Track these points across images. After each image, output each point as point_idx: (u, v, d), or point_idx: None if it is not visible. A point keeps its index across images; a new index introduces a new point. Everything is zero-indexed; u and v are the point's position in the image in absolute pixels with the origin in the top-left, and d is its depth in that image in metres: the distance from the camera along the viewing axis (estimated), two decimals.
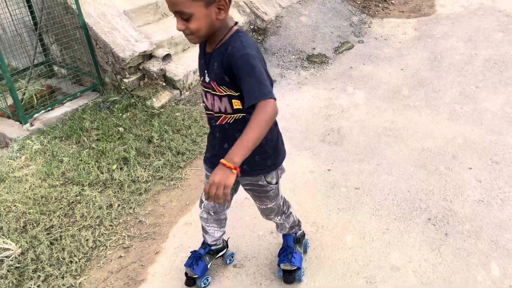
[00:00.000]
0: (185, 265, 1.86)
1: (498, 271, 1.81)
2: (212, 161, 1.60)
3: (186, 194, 2.42)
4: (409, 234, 2.03)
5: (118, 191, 2.41)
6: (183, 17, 1.26)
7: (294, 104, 3.19)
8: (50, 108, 3.18)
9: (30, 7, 3.41)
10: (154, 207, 2.34)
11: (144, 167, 2.59)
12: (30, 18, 3.46)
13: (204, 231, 1.85)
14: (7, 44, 3.52)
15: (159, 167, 2.58)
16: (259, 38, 3.92)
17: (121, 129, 2.93)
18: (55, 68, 3.75)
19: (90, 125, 3.00)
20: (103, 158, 2.66)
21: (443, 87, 3.27)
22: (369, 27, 4.45)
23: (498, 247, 1.92)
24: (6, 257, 2.03)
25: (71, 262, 2.00)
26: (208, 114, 1.53)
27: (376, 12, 4.85)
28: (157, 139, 2.81)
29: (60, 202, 2.34)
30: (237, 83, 1.33)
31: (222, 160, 1.22)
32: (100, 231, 2.16)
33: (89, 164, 2.62)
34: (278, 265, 1.90)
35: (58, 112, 3.18)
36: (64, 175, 2.55)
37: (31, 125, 3.05)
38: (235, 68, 1.30)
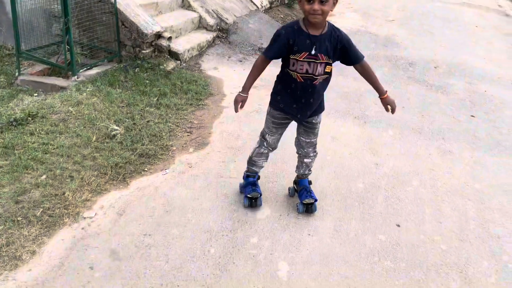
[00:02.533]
0: (245, 193, 2.58)
1: None
2: (299, 114, 2.33)
3: (211, 111, 3.89)
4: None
5: (167, 110, 3.77)
6: (322, 0, 2.00)
7: None
8: (89, 67, 4.34)
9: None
10: (195, 116, 3.77)
11: (178, 98, 3.98)
12: (61, 7, 4.55)
13: (255, 165, 2.60)
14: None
15: (188, 98, 4.01)
16: (224, 35, 5.57)
17: (147, 81, 4.27)
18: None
19: (124, 79, 4.26)
20: (145, 95, 3.97)
21: (345, 69, 5.28)
22: None
23: None
24: (115, 133, 3.26)
25: (161, 137, 3.33)
26: (304, 78, 2.20)
27: None
28: (178, 85, 4.22)
29: (132, 113, 3.61)
30: (340, 55, 2.22)
31: (383, 96, 2.30)
32: (168, 124, 3.52)
33: (137, 98, 3.91)
34: (301, 202, 2.56)
35: (93, 71, 4.35)
36: (124, 102, 3.81)
37: (78, 77, 4.18)
38: (346, 45, 2.21)
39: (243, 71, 4.87)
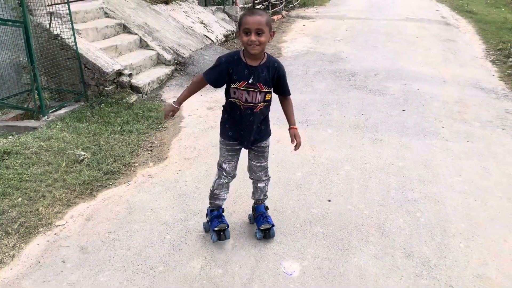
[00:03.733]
0: (212, 228, 2.58)
1: None
2: (245, 140, 2.43)
3: (171, 131, 4.35)
4: None
5: (130, 135, 4.22)
6: (259, 32, 2.13)
7: (214, 96, 5.39)
8: (58, 107, 4.79)
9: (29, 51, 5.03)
10: (155, 137, 4.21)
11: (140, 125, 4.43)
12: (27, 56, 5.04)
13: (218, 198, 2.61)
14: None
15: (149, 123, 4.47)
16: (182, 67, 6.12)
17: (112, 113, 4.72)
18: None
19: (90, 114, 4.70)
20: (110, 125, 4.42)
21: (293, 86, 5.85)
22: None
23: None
24: (83, 158, 3.67)
25: (124, 156, 3.75)
26: (245, 106, 2.30)
27: None
28: (140, 114, 4.69)
29: (97, 141, 4.04)
30: (274, 84, 2.33)
31: (293, 126, 2.45)
32: (131, 146, 3.95)
33: (103, 128, 4.35)
34: (258, 228, 2.61)
35: (62, 111, 4.79)
36: (90, 133, 4.24)
37: (48, 117, 4.61)
38: (282, 76, 2.34)
39: (200, 97, 5.39)
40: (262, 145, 2.53)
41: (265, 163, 2.61)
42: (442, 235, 2.71)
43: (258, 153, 2.55)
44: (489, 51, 7.92)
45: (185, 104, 5.09)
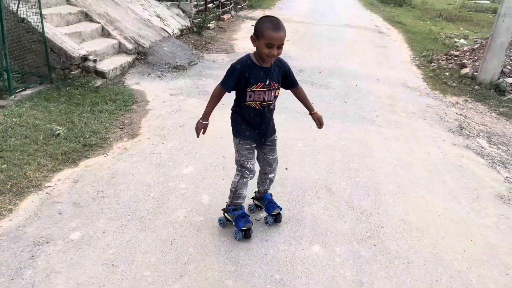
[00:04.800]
0: (238, 227, 2.64)
1: None
2: (259, 135, 2.57)
3: (139, 113, 4.70)
4: None
5: (100, 114, 4.52)
6: (279, 46, 2.29)
7: (175, 84, 5.79)
8: (23, 87, 4.93)
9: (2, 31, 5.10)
10: (125, 117, 4.55)
11: (109, 106, 4.74)
12: None
13: (240, 197, 2.68)
14: None
15: (117, 105, 4.78)
16: (143, 57, 6.44)
17: (79, 96, 4.96)
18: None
19: (57, 95, 4.91)
20: (79, 105, 4.68)
21: None
22: (202, 56, 7.48)
23: None
24: (59, 132, 3.94)
25: (98, 132, 4.07)
26: (262, 105, 2.47)
27: (203, 50, 7.97)
28: (107, 96, 4.98)
29: (70, 119, 4.30)
30: (282, 80, 2.53)
31: (314, 111, 2.69)
32: (104, 124, 4.26)
33: (73, 108, 4.60)
34: (270, 214, 2.80)
35: (28, 92, 4.94)
36: (61, 111, 4.47)
37: (15, 97, 4.75)
38: (288, 71, 2.55)
39: (162, 84, 5.78)
40: (275, 138, 2.74)
41: (277, 154, 2.80)
42: (376, 193, 3.40)
43: (272, 146, 2.72)
44: (415, 57, 9.04)
45: (148, 90, 5.54)
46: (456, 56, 8.31)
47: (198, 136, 2.59)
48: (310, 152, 4.04)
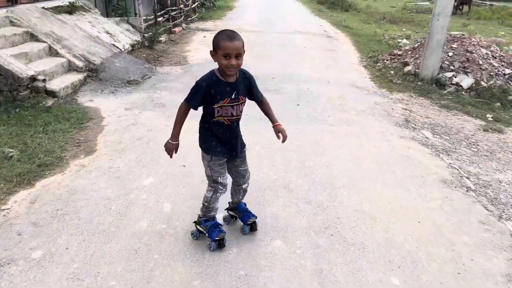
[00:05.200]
0: (212, 238, 2.66)
1: None
2: (230, 150, 2.58)
3: (94, 130, 4.67)
4: None
5: (54, 133, 4.45)
6: (238, 56, 2.30)
7: (130, 99, 5.79)
8: None
9: None
10: (80, 135, 4.51)
11: (62, 125, 4.67)
12: None
13: (212, 210, 2.71)
14: None
15: (71, 124, 4.73)
16: (94, 74, 6.39)
17: (30, 117, 4.86)
18: None
19: (7, 118, 4.78)
20: (31, 126, 4.58)
21: None
22: (155, 69, 7.50)
23: None
24: (12, 155, 3.85)
25: (53, 151, 4.02)
26: (231, 120, 2.48)
27: (156, 64, 7.99)
28: (60, 115, 4.91)
29: (22, 140, 4.21)
30: (248, 93, 2.53)
31: (277, 123, 2.59)
32: (58, 143, 4.21)
33: (24, 129, 4.50)
34: (246, 224, 2.82)
35: None
36: (12, 134, 4.37)
37: None
38: (253, 84, 2.56)
39: (116, 99, 5.76)
40: (244, 149, 2.77)
41: (248, 165, 2.82)
42: (331, 188, 3.59)
43: (243, 158, 2.74)
44: (362, 58, 9.48)
45: (102, 106, 5.50)
46: (399, 55, 8.79)
47: (171, 156, 2.58)
48: (267, 154, 4.19)
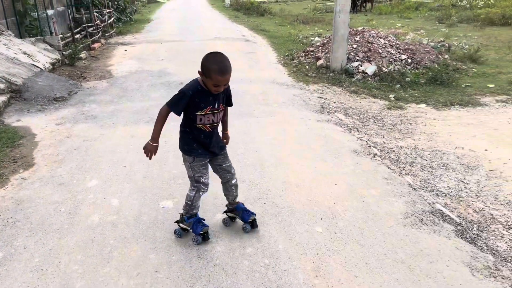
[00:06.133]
0: (197, 232, 2.82)
1: None
2: (211, 152, 2.75)
3: (28, 146, 4.74)
4: None
5: None
6: (225, 84, 2.51)
7: (59, 115, 5.87)
8: None
9: None
10: (15, 152, 4.58)
11: None
12: None
13: (195, 208, 2.86)
14: None
15: (2, 144, 4.76)
16: (18, 94, 6.34)
17: None
18: None
19: None
20: None
21: (132, 97, 6.72)
22: (81, 85, 7.56)
23: None
24: None
25: None
26: (211, 127, 2.65)
27: (81, 80, 8.03)
28: None
29: None
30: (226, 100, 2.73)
31: (226, 132, 2.93)
32: None
33: None
34: (247, 222, 2.95)
35: None
36: None
37: None
38: (229, 93, 2.74)
39: (45, 116, 5.82)
40: (225, 147, 2.93)
41: (230, 161, 2.98)
42: (261, 167, 4.08)
43: (224, 155, 2.90)
44: (280, 58, 10.21)
45: (32, 124, 5.56)
46: (312, 51, 9.63)
47: (150, 158, 2.71)
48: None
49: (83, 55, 9.96)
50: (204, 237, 2.87)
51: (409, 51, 8.67)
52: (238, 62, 9.54)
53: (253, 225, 3.03)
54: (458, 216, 3.32)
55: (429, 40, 10.89)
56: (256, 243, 2.91)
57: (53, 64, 8.37)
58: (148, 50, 11.28)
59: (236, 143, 4.70)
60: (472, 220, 3.27)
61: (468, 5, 20.38)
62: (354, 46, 8.63)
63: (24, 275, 2.58)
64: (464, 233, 3.08)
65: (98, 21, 13.35)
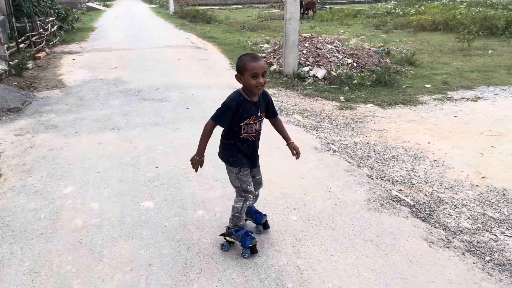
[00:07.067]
0: (246, 246, 2.80)
1: None
2: (254, 162, 2.81)
3: None
4: None
5: None
6: (263, 74, 2.48)
7: (17, 125, 5.74)
8: None
9: None
10: None
11: None
12: None
13: (242, 219, 2.86)
14: None
15: None
16: None
17: None
18: None
19: None
20: None
21: (91, 106, 6.68)
22: (34, 95, 7.36)
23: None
24: None
25: None
26: (254, 136, 2.71)
27: (32, 90, 7.81)
28: None
29: None
30: (266, 109, 2.74)
31: (291, 141, 2.88)
32: None
33: None
34: (260, 224, 3.06)
35: None
36: None
37: None
38: (270, 101, 2.76)
39: (1, 128, 5.66)
40: (258, 160, 2.95)
41: None
42: None
43: (258, 167, 2.93)
44: (233, 64, 10.49)
45: None
46: (264, 57, 10.01)
47: (196, 170, 2.79)
48: (172, 151, 4.74)
49: (29, 64, 9.63)
50: (252, 250, 2.84)
51: (354, 56, 9.30)
52: (193, 68, 9.72)
53: (265, 226, 3.12)
54: (412, 199, 3.76)
55: (370, 45, 11.69)
56: None
57: (0, 74, 8.06)
58: (98, 59, 11.11)
59: None
60: (424, 202, 3.72)
61: (401, 13, 21.92)
62: (304, 51, 9.12)
63: (17, 278, 2.63)
64: (419, 213, 3.51)
65: (41, 30, 12.90)
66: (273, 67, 9.04)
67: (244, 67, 2.51)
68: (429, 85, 8.14)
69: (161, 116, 6.03)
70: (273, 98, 7.23)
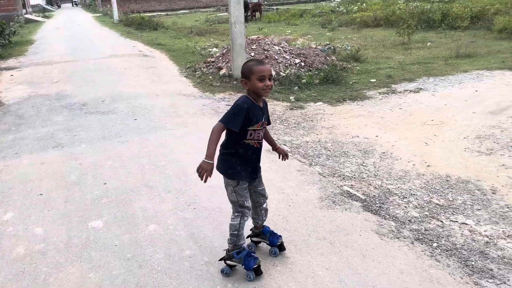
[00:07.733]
0: (250, 268, 2.62)
1: None
2: (252, 172, 2.65)
3: None
4: None
5: None
6: (270, 78, 2.43)
7: None
8: None
9: None
10: None
11: None
12: None
13: (242, 238, 2.69)
14: None
15: None
16: None
17: None
18: None
19: None
20: None
21: (32, 124, 6.34)
22: None
23: None
24: None
25: None
26: (257, 144, 2.58)
27: None
28: None
29: None
30: None
31: (278, 145, 2.80)
32: None
33: None
34: (275, 246, 2.86)
35: None
36: None
37: None
38: (267, 109, 2.65)
39: None
40: (260, 171, 2.80)
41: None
42: (185, 176, 4.23)
43: (260, 178, 2.79)
44: (182, 70, 10.35)
45: None
46: (212, 62, 9.95)
47: (205, 180, 2.45)
48: (120, 165, 4.58)
49: None
50: (257, 272, 2.66)
51: (301, 55, 9.45)
52: (140, 77, 9.49)
53: (281, 248, 2.91)
54: (363, 194, 3.84)
55: (317, 44, 11.93)
56: (193, 245, 3.08)
57: None
58: (39, 73, 10.59)
59: (155, 156, 4.79)
60: (374, 195, 3.82)
61: (344, 10, 22.58)
62: (252, 54, 9.15)
63: None
64: (370, 207, 3.60)
65: None
66: (222, 71, 9.00)
67: (250, 71, 2.47)
68: (374, 80, 8.41)
69: (108, 129, 5.82)
70: (224, 103, 7.26)
